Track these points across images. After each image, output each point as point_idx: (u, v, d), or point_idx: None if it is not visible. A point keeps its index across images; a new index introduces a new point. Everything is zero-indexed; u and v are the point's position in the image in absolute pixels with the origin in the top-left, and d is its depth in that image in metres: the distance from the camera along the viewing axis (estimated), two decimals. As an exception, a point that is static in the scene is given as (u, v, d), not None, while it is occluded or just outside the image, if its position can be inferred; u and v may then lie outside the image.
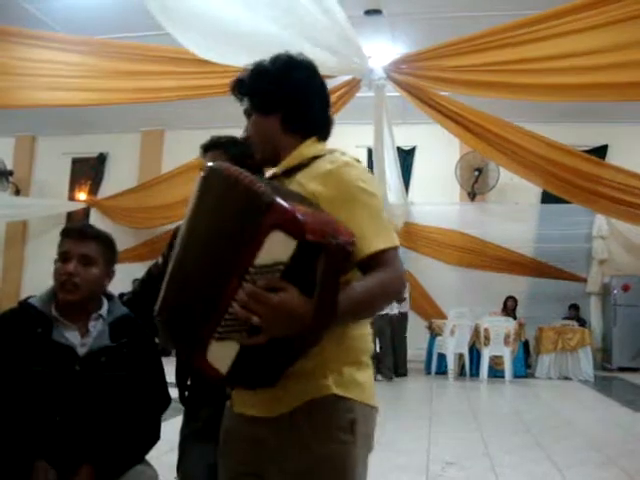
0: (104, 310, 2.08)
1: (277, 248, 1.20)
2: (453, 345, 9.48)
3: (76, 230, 2.07)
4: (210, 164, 1.39)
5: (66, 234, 2.05)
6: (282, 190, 1.37)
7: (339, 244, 1.24)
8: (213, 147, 2.27)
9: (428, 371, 9.91)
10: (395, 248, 1.41)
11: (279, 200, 1.21)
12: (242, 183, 1.26)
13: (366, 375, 1.48)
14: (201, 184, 1.37)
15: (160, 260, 2.41)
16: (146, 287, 2.42)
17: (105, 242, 2.07)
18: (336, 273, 1.25)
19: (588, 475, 4.21)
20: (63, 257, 2.00)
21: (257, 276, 1.21)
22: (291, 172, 1.48)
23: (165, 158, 12.27)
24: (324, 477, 1.38)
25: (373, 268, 1.36)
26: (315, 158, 1.48)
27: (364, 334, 1.49)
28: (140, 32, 7.19)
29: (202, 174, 1.37)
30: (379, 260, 1.37)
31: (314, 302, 1.22)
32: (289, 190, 1.41)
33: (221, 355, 1.25)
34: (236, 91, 1.59)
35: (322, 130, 1.57)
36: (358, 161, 1.50)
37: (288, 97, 1.51)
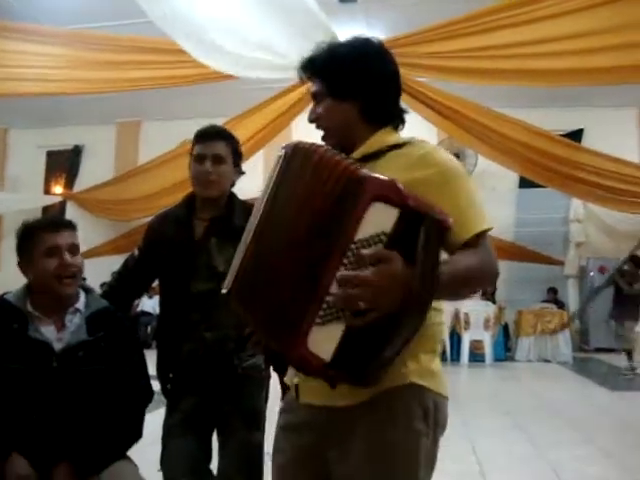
0: (81, 303, 2.05)
1: (379, 219, 1.16)
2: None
3: (56, 222, 2.04)
4: (292, 143, 1.33)
5: (51, 228, 1.99)
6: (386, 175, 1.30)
7: (438, 217, 1.20)
8: (217, 136, 2.26)
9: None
10: (489, 230, 1.37)
11: (375, 174, 1.19)
12: (332, 160, 1.23)
13: (439, 364, 1.47)
14: (282, 163, 1.32)
15: (136, 252, 2.39)
16: (123, 279, 2.40)
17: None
18: (436, 244, 1.21)
19: (567, 454, 4.28)
20: (54, 251, 1.95)
21: (359, 251, 1.16)
22: (368, 159, 1.42)
23: (142, 149, 12.15)
24: (395, 463, 1.37)
25: (471, 249, 1.33)
26: (393, 147, 1.43)
27: (441, 322, 1.48)
28: (123, 20, 7.14)
29: (281, 153, 1.32)
30: (477, 242, 1.34)
31: (418, 269, 1.16)
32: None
33: (323, 340, 1.17)
34: (306, 70, 1.50)
35: (397, 120, 1.52)
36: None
37: (369, 85, 1.44)
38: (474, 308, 9.66)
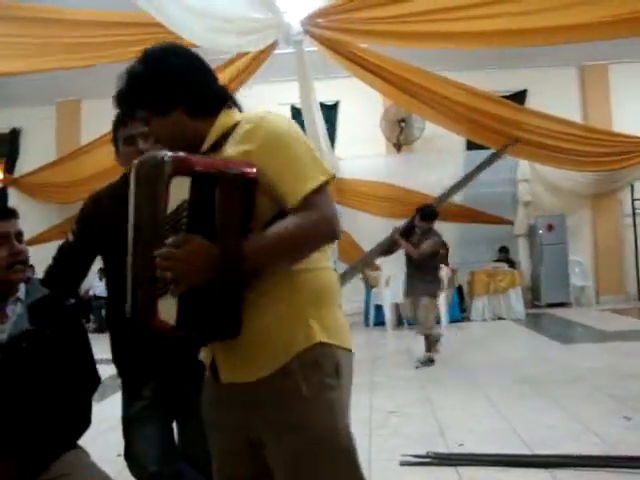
0: (22, 293, 1.99)
1: (179, 191, 1.31)
2: (389, 296, 9.66)
3: (2, 211, 2.01)
4: (141, 157, 1.44)
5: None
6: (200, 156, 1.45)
7: (234, 172, 1.34)
8: (123, 122, 2.17)
9: (367, 323, 10.10)
10: (321, 187, 1.41)
11: (169, 153, 1.33)
12: (147, 157, 1.39)
13: (341, 318, 1.53)
14: (133, 178, 1.42)
15: (70, 237, 2.33)
16: (60, 265, 2.33)
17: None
18: (236, 204, 1.34)
19: (523, 408, 4.41)
20: (3, 239, 1.93)
21: (170, 228, 1.33)
22: (216, 146, 1.48)
23: (83, 129, 11.80)
24: (318, 423, 1.43)
25: (298, 213, 1.39)
26: (235, 126, 1.49)
27: (330, 276, 1.53)
28: None
29: (132, 172, 1.42)
30: (306, 205, 1.38)
31: (218, 237, 1.32)
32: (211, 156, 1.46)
33: (166, 310, 1.35)
34: (123, 107, 1.57)
35: (226, 100, 1.56)
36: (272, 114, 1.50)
37: (182, 88, 1.48)
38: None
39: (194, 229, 1.33)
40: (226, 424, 1.54)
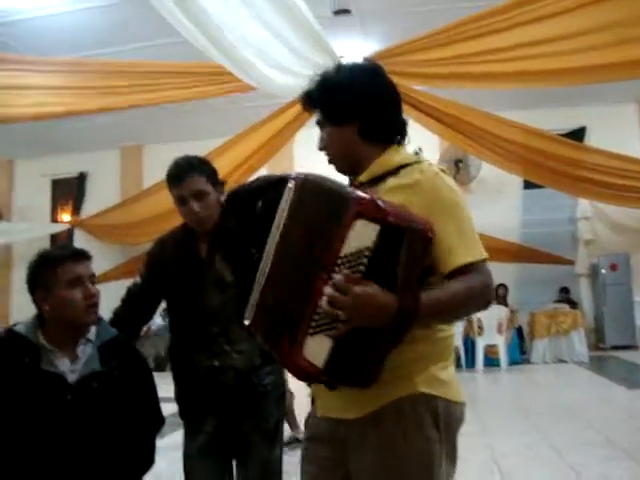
0: (92, 334, 2.05)
1: (361, 235, 1.27)
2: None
3: (78, 253, 2.04)
4: (297, 174, 1.41)
5: (73, 258, 2.00)
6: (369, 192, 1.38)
7: (420, 228, 1.30)
8: (187, 174, 2.23)
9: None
10: (484, 261, 1.41)
11: (359, 193, 1.30)
12: (326, 186, 1.34)
13: (449, 373, 1.50)
14: (292, 194, 1.37)
15: (138, 279, 2.41)
16: (128, 307, 2.41)
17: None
18: (418, 260, 1.30)
19: (587, 456, 4.23)
20: (78, 281, 1.96)
21: (344, 267, 1.28)
22: (378, 180, 1.48)
23: (145, 173, 12.22)
24: (411, 473, 1.40)
25: (461, 276, 1.38)
26: (402, 167, 1.47)
27: (449, 336, 1.52)
28: (104, 49, 7.25)
29: (290, 185, 1.39)
30: (467, 271, 1.38)
31: (399, 289, 1.27)
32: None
33: (316, 350, 1.29)
34: (306, 104, 1.59)
35: (400, 134, 1.56)
36: (444, 172, 1.49)
37: (362, 106, 1.49)
38: (487, 313, 9.56)
39: (371, 276, 1.28)
40: (323, 457, 1.52)
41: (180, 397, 2.35)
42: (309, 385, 1.57)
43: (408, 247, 1.27)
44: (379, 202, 1.28)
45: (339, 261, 1.27)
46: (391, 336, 1.31)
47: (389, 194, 1.40)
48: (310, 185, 1.37)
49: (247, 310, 1.42)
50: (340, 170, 1.58)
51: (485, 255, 1.42)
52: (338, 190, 1.32)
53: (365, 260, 1.27)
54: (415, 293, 1.29)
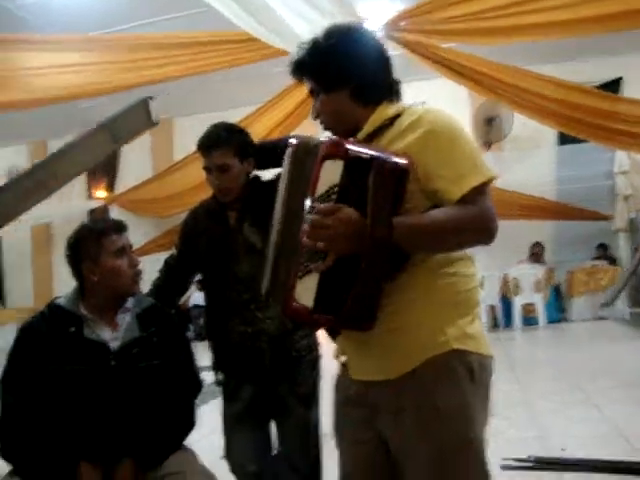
0: (130, 303, 2.11)
1: (330, 174, 1.33)
2: (484, 297, 9.46)
3: (118, 224, 2.13)
4: (297, 139, 1.48)
5: (115, 230, 2.09)
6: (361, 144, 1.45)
7: (387, 160, 1.33)
8: (214, 146, 2.25)
9: (462, 326, 9.92)
10: (482, 186, 1.39)
11: (324, 138, 1.37)
12: (309, 144, 1.42)
13: (478, 327, 1.51)
14: (288, 161, 1.47)
15: (175, 251, 2.46)
16: (166, 278, 2.47)
17: None
18: (388, 188, 1.33)
19: (628, 412, 4.20)
20: (123, 251, 2.06)
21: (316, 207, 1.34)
22: (373, 136, 1.49)
23: (176, 145, 12.31)
24: (450, 428, 1.41)
25: (461, 204, 1.38)
26: (396, 117, 1.49)
27: (473, 288, 1.51)
28: (125, 24, 7.27)
29: (288, 151, 1.47)
30: (472, 198, 1.37)
31: (369, 214, 1.31)
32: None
33: (305, 290, 1.35)
34: (296, 72, 1.59)
35: (392, 93, 1.56)
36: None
37: (351, 71, 1.50)
38: (523, 272, 9.53)
39: None
40: (357, 419, 1.54)
41: (217, 364, 2.41)
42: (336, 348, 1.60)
43: (375, 177, 1.32)
44: (343, 141, 1.36)
45: (313, 204, 1.34)
46: (372, 265, 1.34)
47: (390, 145, 1.43)
48: (298, 148, 1.45)
49: (263, 279, 1.49)
50: (336, 135, 1.57)
51: (488, 175, 1.40)
52: (314, 143, 1.39)
53: (334, 197, 1.33)
54: (386, 218, 1.32)
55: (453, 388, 1.42)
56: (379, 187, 1.32)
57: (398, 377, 1.43)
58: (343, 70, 1.50)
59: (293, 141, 1.47)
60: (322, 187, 1.34)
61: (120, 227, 2.10)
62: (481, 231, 1.39)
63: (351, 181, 1.32)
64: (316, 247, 1.31)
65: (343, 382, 1.60)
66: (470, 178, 1.37)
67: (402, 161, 1.35)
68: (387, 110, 1.51)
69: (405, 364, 1.42)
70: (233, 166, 2.25)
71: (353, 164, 1.32)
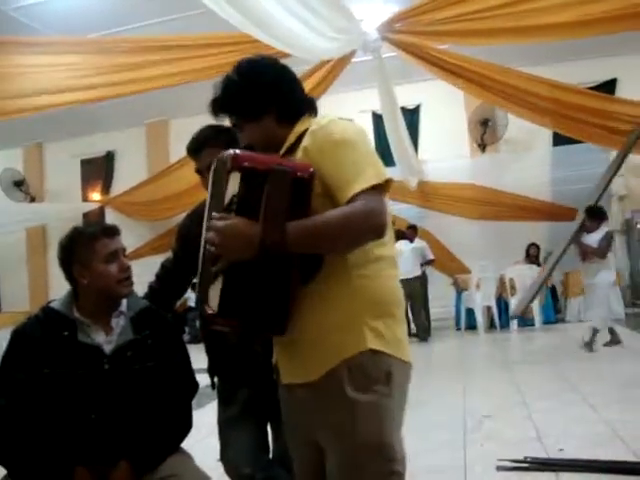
0: (124, 306, 2.11)
1: (232, 185, 1.41)
2: (480, 298, 9.48)
3: (111, 228, 2.12)
4: (220, 155, 1.51)
5: (107, 234, 2.07)
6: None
7: (282, 169, 1.41)
8: (201, 149, 2.24)
9: (458, 327, 9.94)
10: (372, 188, 1.43)
11: (229, 151, 1.44)
12: (220, 157, 1.48)
13: (400, 330, 1.54)
14: (212, 174, 1.55)
15: (171, 254, 2.45)
16: (162, 281, 2.46)
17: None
18: (283, 195, 1.39)
19: (625, 413, 4.20)
20: (113, 256, 2.05)
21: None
22: (292, 149, 1.56)
23: (172, 147, 12.29)
24: (363, 427, 1.45)
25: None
26: (301, 136, 1.56)
27: (391, 288, 1.55)
28: (126, 26, 7.28)
29: (213, 165, 1.54)
30: (354, 199, 1.42)
31: (260, 221, 1.37)
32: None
33: (212, 296, 1.42)
34: (219, 111, 1.65)
35: (310, 109, 1.64)
36: (343, 119, 1.57)
37: (271, 95, 1.58)
38: (518, 273, 9.54)
39: (241, 216, 1.40)
40: (293, 424, 1.62)
41: (212, 367, 2.39)
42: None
43: (270, 186, 1.38)
44: (243, 153, 1.44)
45: (221, 214, 1.41)
46: (274, 270, 1.41)
47: (303, 157, 1.50)
48: (217, 163, 1.51)
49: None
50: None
51: (373, 182, 1.43)
52: (224, 154, 1.45)
53: (234, 207, 1.39)
54: (278, 224, 1.37)
55: (367, 389, 1.45)
56: (272, 195, 1.38)
57: (318, 379, 1.47)
58: (264, 96, 1.58)
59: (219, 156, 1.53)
60: (227, 199, 1.41)
61: (112, 231, 2.10)
62: (370, 226, 1.42)
63: (248, 191, 1.39)
64: (213, 254, 1.40)
65: (280, 389, 1.65)
66: (354, 185, 1.42)
67: (301, 170, 1.42)
68: (304, 123, 1.59)
69: (323, 366, 1.46)
70: None
71: (249, 175, 1.39)
